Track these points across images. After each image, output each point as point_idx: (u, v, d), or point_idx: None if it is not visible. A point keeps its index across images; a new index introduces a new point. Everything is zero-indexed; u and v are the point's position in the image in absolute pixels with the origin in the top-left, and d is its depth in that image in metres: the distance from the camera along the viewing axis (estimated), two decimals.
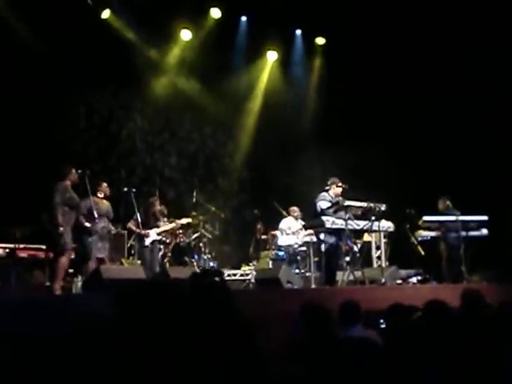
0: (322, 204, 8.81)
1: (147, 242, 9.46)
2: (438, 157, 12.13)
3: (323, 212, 8.73)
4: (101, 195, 9.03)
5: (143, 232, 9.45)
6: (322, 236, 8.77)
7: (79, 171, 8.56)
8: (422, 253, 10.34)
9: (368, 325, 4.48)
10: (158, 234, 9.72)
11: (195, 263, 11.23)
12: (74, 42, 11.19)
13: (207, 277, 3.20)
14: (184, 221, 10.46)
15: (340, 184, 9.03)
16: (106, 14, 12.50)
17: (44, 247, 9.28)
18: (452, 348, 3.31)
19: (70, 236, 8.21)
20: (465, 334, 3.47)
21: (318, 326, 3.64)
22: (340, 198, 8.92)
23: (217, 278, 3.23)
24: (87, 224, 8.60)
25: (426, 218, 9.84)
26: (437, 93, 12.24)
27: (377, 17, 12.36)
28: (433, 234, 10.06)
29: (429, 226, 10.04)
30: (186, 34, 13.51)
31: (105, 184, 9.16)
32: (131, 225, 9.63)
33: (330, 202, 8.84)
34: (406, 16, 12.08)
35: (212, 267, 11.38)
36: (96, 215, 8.57)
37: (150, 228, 9.58)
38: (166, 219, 10.23)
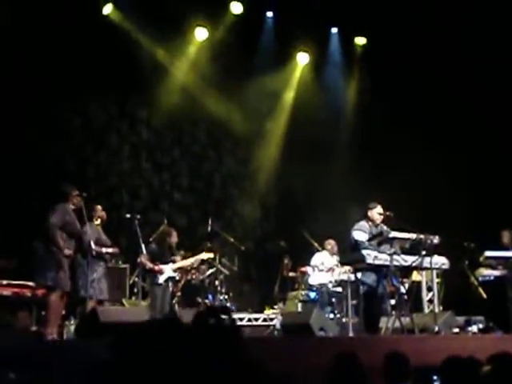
0: (357, 235, 8.72)
1: (161, 279, 9.50)
2: (504, 179, 12.05)
3: (358, 245, 8.65)
4: (97, 222, 9.02)
5: (157, 268, 9.48)
6: (359, 275, 8.73)
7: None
8: (484, 296, 10.23)
9: (419, 382, 4.45)
10: (174, 271, 9.76)
11: (209, 305, 11.23)
12: (69, 40, 11.42)
13: (213, 316, 3.23)
14: (205, 256, 10.44)
15: (381, 211, 8.93)
16: (107, 9, 12.77)
17: (31, 284, 9.24)
18: None
19: (67, 272, 7.99)
20: None
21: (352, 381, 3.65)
22: (384, 227, 8.87)
23: (224, 317, 3.26)
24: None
25: (488, 253, 9.75)
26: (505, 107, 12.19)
27: (428, 11, 12.39)
28: (497, 273, 9.97)
29: (492, 264, 9.95)
30: (201, 33, 13.69)
31: (99, 207, 9.16)
32: (144, 259, 9.60)
33: (371, 233, 8.79)
34: (467, 10, 12.07)
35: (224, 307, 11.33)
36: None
37: (165, 263, 9.63)
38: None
